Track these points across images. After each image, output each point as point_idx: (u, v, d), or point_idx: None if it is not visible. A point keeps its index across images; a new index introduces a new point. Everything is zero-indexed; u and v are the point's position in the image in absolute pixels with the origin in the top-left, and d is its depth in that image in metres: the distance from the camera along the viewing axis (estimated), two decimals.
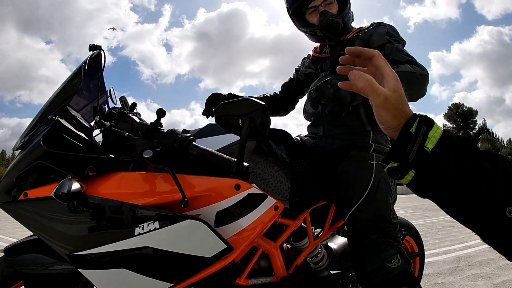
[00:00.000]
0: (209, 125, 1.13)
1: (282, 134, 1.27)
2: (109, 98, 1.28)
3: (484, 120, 38.61)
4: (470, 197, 0.51)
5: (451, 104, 38.92)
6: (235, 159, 0.85)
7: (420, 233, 1.85)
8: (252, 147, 1.11)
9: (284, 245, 1.27)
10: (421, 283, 1.45)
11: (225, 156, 0.87)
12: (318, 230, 1.40)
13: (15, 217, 0.94)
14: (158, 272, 0.89)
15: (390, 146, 1.26)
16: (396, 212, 1.33)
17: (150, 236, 0.86)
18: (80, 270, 0.89)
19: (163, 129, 0.96)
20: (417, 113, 0.55)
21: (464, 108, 37.69)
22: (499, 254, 0.53)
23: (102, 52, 1.21)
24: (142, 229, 0.85)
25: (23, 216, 0.93)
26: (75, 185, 0.82)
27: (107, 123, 1.08)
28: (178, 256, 0.88)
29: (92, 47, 1.19)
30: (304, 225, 1.28)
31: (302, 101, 1.72)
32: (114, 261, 0.88)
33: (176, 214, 0.87)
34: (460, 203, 0.52)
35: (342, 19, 1.43)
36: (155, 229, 0.85)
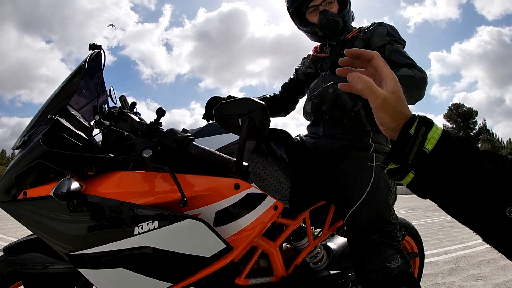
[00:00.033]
0: (208, 124, 1.13)
1: (282, 134, 1.27)
2: (109, 98, 1.27)
3: (484, 120, 38.71)
4: (470, 197, 0.51)
5: (451, 104, 39.01)
6: (235, 159, 0.85)
7: (420, 233, 1.85)
8: (251, 146, 1.11)
9: (284, 245, 1.27)
10: (420, 283, 1.45)
11: (224, 155, 0.87)
12: (318, 230, 1.40)
13: (15, 217, 0.94)
14: (157, 271, 0.89)
15: (390, 147, 1.26)
16: (395, 212, 1.33)
17: (149, 236, 0.86)
18: (79, 270, 0.89)
19: (163, 129, 0.96)
20: (416, 114, 0.55)
21: (464, 108, 37.73)
22: (499, 254, 0.53)
23: (102, 51, 1.21)
24: (142, 228, 0.85)
25: (23, 216, 0.93)
26: (75, 185, 0.82)
27: (107, 123, 1.08)
28: (177, 255, 0.88)
29: (92, 47, 1.19)
30: (303, 225, 1.28)
31: (302, 101, 1.72)
32: (113, 260, 0.88)
33: (176, 214, 0.87)
34: (460, 203, 0.52)
35: (342, 18, 1.43)
36: (154, 228, 0.85)
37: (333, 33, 1.44)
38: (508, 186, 0.50)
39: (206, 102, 1.51)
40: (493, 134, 37.92)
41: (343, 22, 1.44)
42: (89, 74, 1.17)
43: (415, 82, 1.23)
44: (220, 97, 1.52)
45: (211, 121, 1.45)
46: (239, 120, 0.82)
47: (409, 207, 10.36)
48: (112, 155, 0.97)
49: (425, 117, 0.55)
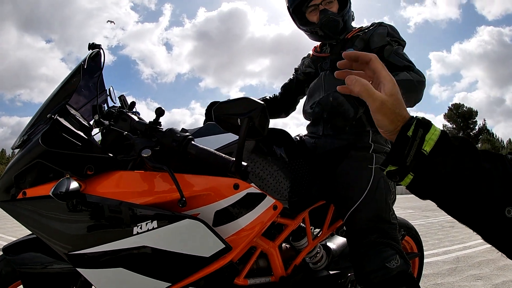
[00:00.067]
0: (208, 124, 1.13)
1: (281, 134, 1.27)
2: (108, 97, 1.27)
3: (484, 120, 38.74)
4: (469, 198, 0.51)
5: (451, 105, 39.03)
6: (234, 159, 0.84)
7: (419, 233, 1.85)
8: (251, 146, 1.10)
9: (283, 245, 1.27)
10: (420, 284, 1.45)
11: (223, 155, 0.87)
12: (317, 230, 1.40)
13: (14, 216, 0.94)
14: (156, 271, 0.89)
15: (390, 147, 1.26)
16: (395, 212, 1.33)
17: (148, 236, 0.85)
18: (79, 269, 0.89)
19: (162, 128, 0.96)
20: (415, 116, 0.56)
21: (464, 108, 37.73)
22: (499, 254, 0.53)
23: (101, 51, 1.21)
24: (141, 228, 0.85)
25: (22, 215, 0.93)
26: (73, 184, 0.82)
27: (106, 122, 1.08)
28: (176, 255, 0.88)
29: (92, 46, 1.19)
30: (303, 225, 1.28)
31: (302, 101, 1.71)
32: (112, 260, 0.87)
33: (175, 214, 0.87)
34: (460, 204, 0.53)
35: (342, 17, 1.43)
36: (153, 228, 0.85)
37: (333, 32, 1.44)
38: (508, 186, 0.50)
39: (206, 107, 1.51)
40: (493, 134, 37.95)
41: (343, 21, 1.44)
42: (88, 74, 1.17)
43: (413, 86, 1.24)
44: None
45: (208, 116, 1.45)
46: (238, 120, 0.81)
47: (409, 207, 10.36)
48: (111, 155, 0.97)
49: (423, 118, 0.55)
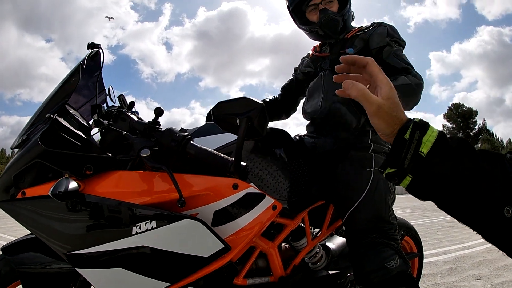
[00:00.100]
0: (207, 124, 1.13)
1: (281, 134, 1.27)
2: (107, 97, 1.27)
3: (484, 120, 38.63)
4: (468, 199, 0.52)
5: (451, 104, 38.94)
6: (233, 159, 0.84)
7: (419, 233, 1.85)
8: (250, 146, 1.10)
9: (282, 245, 1.27)
10: (419, 284, 1.45)
11: (222, 155, 0.87)
12: (317, 230, 1.40)
13: (13, 216, 0.94)
14: (155, 271, 0.89)
15: (389, 147, 1.26)
16: (394, 212, 1.33)
17: (147, 236, 0.85)
18: (78, 269, 0.89)
19: (161, 128, 0.96)
20: (412, 118, 0.56)
21: (464, 108, 37.68)
22: (498, 254, 0.53)
23: (100, 50, 1.21)
24: (140, 228, 0.85)
25: (21, 215, 0.92)
26: (72, 184, 0.82)
27: (106, 122, 1.08)
28: (176, 255, 0.88)
29: (91, 46, 1.19)
30: (302, 225, 1.28)
31: (303, 101, 1.71)
32: (111, 260, 0.87)
33: (174, 214, 0.87)
34: (459, 204, 0.53)
35: (342, 17, 1.43)
36: (152, 228, 0.85)
37: (333, 32, 1.44)
38: (506, 186, 0.50)
39: (207, 114, 1.50)
40: (493, 134, 37.88)
41: (343, 21, 1.44)
42: (87, 73, 1.17)
43: (412, 90, 1.24)
44: None
45: (209, 121, 1.45)
46: (237, 119, 0.81)
47: (409, 206, 10.36)
48: (110, 155, 0.97)
49: (420, 120, 0.56)
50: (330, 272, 1.33)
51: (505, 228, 0.49)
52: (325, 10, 1.41)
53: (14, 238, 1.18)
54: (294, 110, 1.79)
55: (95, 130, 1.10)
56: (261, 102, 0.81)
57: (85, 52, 1.19)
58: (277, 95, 1.78)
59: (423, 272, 1.93)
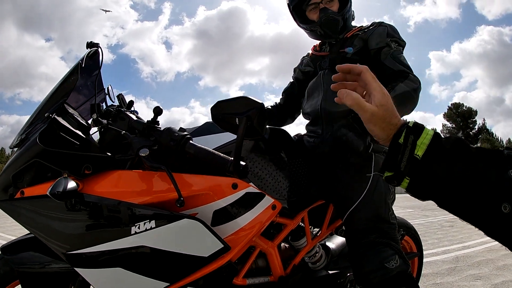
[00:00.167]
0: (206, 123, 1.13)
1: (280, 133, 1.26)
2: (107, 96, 1.27)
3: (484, 120, 38.63)
4: (466, 197, 0.53)
5: (451, 104, 38.97)
6: (232, 158, 0.84)
7: (418, 233, 1.85)
8: (250, 146, 1.10)
9: (282, 244, 1.27)
10: (419, 283, 1.45)
11: (222, 155, 0.87)
12: (316, 229, 1.40)
13: (12, 215, 0.93)
14: (155, 271, 0.89)
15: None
16: (394, 212, 1.32)
17: (146, 235, 0.85)
18: (77, 269, 0.89)
19: (160, 128, 0.95)
20: (407, 121, 0.59)
21: (464, 108, 37.69)
22: (498, 254, 0.54)
23: (99, 49, 1.20)
24: (139, 228, 0.85)
25: (20, 214, 0.92)
26: (71, 184, 0.81)
27: (105, 121, 1.07)
28: (175, 255, 0.88)
29: (90, 45, 1.19)
30: (302, 224, 1.27)
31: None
32: (110, 260, 0.87)
33: (173, 213, 0.86)
34: (458, 203, 0.55)
35: (342, 16, 1.42)
36: (151, 228, 0.85)
37: (333, 31, 1.43)
38: (502, 184, 0.51)
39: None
40: (492, 133, 37.86)
41: (343, 20, 1.43)
42: (86, 72, 1.17)
43: (410, 96, 1.25)
44: None
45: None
46: (236, 119, 0.81)
47: (408, 206, 10.36)
48: (109, 154, 0.96)
49: (415, 123, 0.58)
50: (330, 272, 1.33)
51: (504, 224, 0.51)
52: (326, 10, 1.40)
53: (13, 238, 1.18)
54: (299, 112, 1.76)
55: (94, 129, 1.10)
56: (261, 101, 0.81)
57: (85, 51, 1.19)
58: (278, 101, 1.77)
59: (422, 271, 1.93)
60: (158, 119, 0.97)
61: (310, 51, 1.64)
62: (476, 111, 37.39)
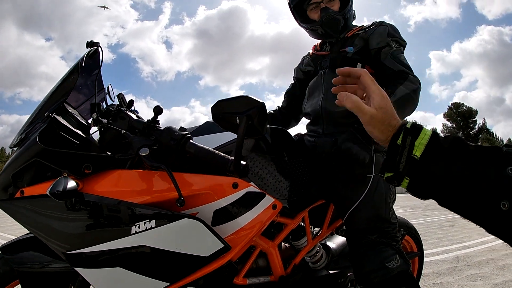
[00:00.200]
0: (206, 123, 1.12)
1: (281, 132, 1.26)
2: (107, 95, 1.27)
3: (484, 120, 38.61)
4: (465, 195, 0.54)
5: (451, 104, 38.97)
6: (233, 157, 0.84)
7: (419, 232, 1.84)
8: (250, 145, 1.10)
9: (283, 244, 1.26)
10: (419, 283, 1.45)
11: (222, 154, 0.86)
12: (317, 229, 1.40)
13: (12, 215, 0.93)
14: (155, 271, 0.89)
15: None
16: (395, 211, 1.32)
17: (146, 235, 0.85)
18: (77, 269, 0.89)
19: (160, 127, 0.95)
20: (406, 122, 0.60)
21: (464, 107, 37.69)
22: (499, 253, 0.54)
23: (99, 48, 1.20)
24: (139, 227, 0.85)
25: (20, 214, 0.92)
26: (71, 183, 0.81)
27: (105, 121, 1.07)
28: (175, 255, 0.87)
29: (90, 44, 1.18)
30: (302, 224, 1.27)
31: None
32: (110, 259, 0.87)
33: (173, 213, 0.86)
34: (457, 201, 0.56)
35: (343, 16, 1.42)
36: (151, 227, 0.85)
37: (334, 31, 1.43)
38: (500, 182, 0.52)
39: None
40: (492, 133, 37.84)
41: (344, 20, 1.43)
42: (86, 72, 1.17)
43: (410, 98, 1.25)
44: None
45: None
46: (237, 118, 0.81)
47: (409, 206, 10.36)
48: (109, 154, 0.96)
49: (413, 124, 0.59)
50: (331, 272, 1.33)
51: (503, 220, 0.51)
52: (326, 9, 1.40)
53: (13, 237, 1.18)
54: (303, 114, 1.77)
55: (94, 128, 1.10)
56: (261, 101, 0.80)
57: (85, 50, 1.18)
58: (280, 104, 1.76)
59: (423, 271, 1.92)
60: (158, 119, 0.97)
61: (311, 51, 1.64)
62: (476, 111, 37.42)
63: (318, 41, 1.61)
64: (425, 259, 2.15)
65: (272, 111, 1.74)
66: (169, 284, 0.90)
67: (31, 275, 1.01)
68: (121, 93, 1.27)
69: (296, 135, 1.54)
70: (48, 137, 0.90)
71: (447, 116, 37.95)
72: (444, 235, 4.96)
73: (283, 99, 1.76)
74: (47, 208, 0.89)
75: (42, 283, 1.02)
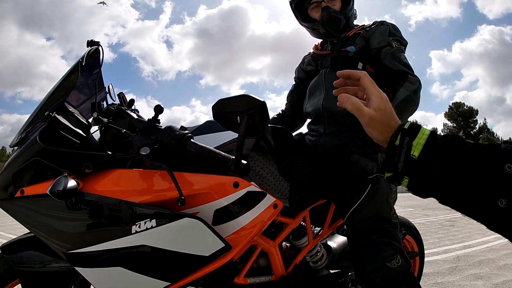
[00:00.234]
0: (207, 122, 1.12)
1: (282, 132, 1.26)
2: (107, 95, 1.26)
3: (485, 119, 38.56)
4: (464, 193, 0.55)
5: (452, 103, 38.96)
6: (234, 157, 0.83)
7: (419, 232, 1.84)
8: (251, 144, 1.09)
9: (283, 243, 1.26)
10: (420, 283, 1.44)
11: (223, 153, 0.86)
12: (318, 228, 1.39)
13: (12, 215, 0.93)
14: (155, 270, 0.88)
15: None
16: (396, 211, 1.32)
17: (147, 234, 0.85)
18: (77, 268, 0.88)
19: (161, 126, 0.95)
20: (406, 123, 0.61)
21: (465, 107, 37.68)
22: (500, 253, 0.55)
23: (100, 48, 1.20)
24: (139, 227, 0.84)
25: (20, 214, 0.92)
26: (71, 182, 0.81)
27: (105, 120, 1.07)
28: (176, 254, 0.87)
29: (90, 43, 1.18)
30: (303, 223, 1.27)
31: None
32: (110, 259, 0.87)
33: (174, 212, 0.86)
34: (457, 199, 0.57)
35: (344, 15, 1.42)
36: (152, 227, 0.84)
37: (335, 30, 1.43)
38: (497, 179, 0.52)
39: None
40: (493, 133, 37.79)
41: (345, 19, 1.43)
42: (87, 71, 1.16)
43: (412, 101, 1.26)
44: None
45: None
46: (238, 117, 0.80)
47: (409, 205, 10.36)
48: (110, 153, 0.96)
49: (411, 125, 0.60)
50: (331, 271, 1.33)
51: (501, 218, 0.52)
52: (328, 8, 1.40)
53: (13, 237, 1.18)
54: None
55: (94, 128, 1.09)
56: (262, 100, 0.80)
57: (85, 49, 1.18)
58: (284, 107, 1.75)
59: (423, 271, 1.92)
60: (159, 118, 0.97)
61: (312, 50, 1.64)
62: (477, 111, 37.39)
63: (319, 41, 1.61)
64: (425, 259, 2.15)
65: (276, 116, 1.73)
66: (169, 283, 0.89)
67: (31, 274, 1.01)
68: (122, 92, 1.27)
69: (297, 134, 1.53)
70: (48, 137, 0.90)
71: (448, 115, 37.94)
72: (444, 235, 4.96)
73: (286, 102, 1.74)
74: (47, 207, 0.88)
75: (43, 282, 1.02)
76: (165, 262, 0.88)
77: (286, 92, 1.76)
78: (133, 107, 1.23)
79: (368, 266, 1.16)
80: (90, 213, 0.87)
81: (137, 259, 0.87)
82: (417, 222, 5.79)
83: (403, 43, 1.40)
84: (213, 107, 0.84)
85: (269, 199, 0.97)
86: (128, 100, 1.27)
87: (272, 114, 1.73)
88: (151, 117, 0.97)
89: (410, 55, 1.38)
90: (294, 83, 1.72)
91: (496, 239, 4.21)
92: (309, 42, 1.63)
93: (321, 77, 1.48)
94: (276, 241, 1.16)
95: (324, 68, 1.49)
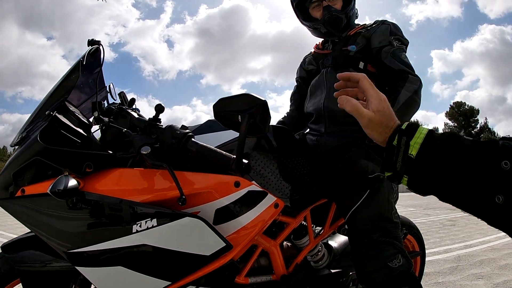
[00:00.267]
0: (208, 121, 1.12)
1: (283, 131, 1.25)
2: (108, 94, 1.26)
3: (486, 119, 38.57)
4: (462, 190, 0.56)
5: (453, 103, 38.98)
6: (235, 156, 0.83)
7: (420, 232, 1.84)
8: (252, 144, 1.09)
9: (284, 243, 1.26)
10: (421, 282, 1.44)
11: (224, 152, 0.86)
12: (319, 228, 1.39)
13: (12, 214, 0.93)
14: (156, 270, 0.88)
15: None
16: (397, 211, 1.31)
17: (148, 234, 0.84)
18: (78, 268, 0.88)
19: (162, 125, 0.95)
20: (404, 123, 0.62)
21: (466, 106, 37.67)
22: (501, 252, 0.55)
23: (101, 47, 1.20)
24: (140, 226, 0.84)
25: (20, 213, 0.92)
26: (72, 182, 0.81)
27: (106, 119, 1.07)
28: (176, 254, 0.87)
29: (91, 42, 1.18)
30: (304, 223, 1.27)
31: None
32: (111, 258, 0.87)
33: (175, 212, 0.86)
34: (455, 196, 0.58)
35: (345, 15, 1.41)
36: (153, 226, 0.84)
37: (336, 29, 1.43)
38: (494, 176, 0.53)
39: None
40: (494, 132, 37.75)
41: (346, 18, 1.43)
42: (88, 70, 1.16)
43: (413, 101, 1.25)
44: None
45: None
46: (239, 116, 0.80)
47: (410, 205, 10.35)
48: (110, 152, 0.96)
49: (408, 125, 0.62)
50: (332, 271, 1.32)
51: (499, 213, 0.53)
52: (329, 7, 1.40)
53: (14, 236, 1.18)
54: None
55: (95, 127, 1.09)
56: (263, 98, 0.80)
57: (86, 49, 1.18)
58: (289, 110, 1.73)
59: (424, 270, 1.92)
60: (160, 117, 0.97)
61: (313, 49, 1.63)
62: (478, 110, 37.38)
63: (320, 40, 1.60)
64: (426, 258, 2.14)
65: (281, 119, 1.71)
66: (170, 283, 0.89)
67: (32, 274, 1.01)
68: (123, 92, 1.27)
69: (298, 133, 1.53)
70: (49, 136, 0.90)
71: (449, 115, 37.93)
72: (445, 234, 4.95)
73: (290, 103, 1.72)
74: (48, 206, 0.88)
75: (43, 282, 1.02)
76: (166, 262, 0.88)
77: (287, 91, 1.79)
78: (134, 107, 1.22)
79: (369, 266, 1.16)
80: (91, 212, 0.86)
81: (138, 258, 0.87)
82: (418, 222, 5.79)
83: (404, 43, 1.40)
84: (214, 106, 0.84)
85: (270, 199, 0.97)
86: (129, 99, 1.26)
87: (273, 113, 1.72)
88: (152, 117, 0.97)
89: (411, 55, 1.38)
90: (296, 83, 1.71)
91: (497, 239, 4.20)
92: (310, 41, 1.63)
93: (322, 76, 1.48)
94: (277, 241, 1.16)
95: (325, 68, 1.49)
